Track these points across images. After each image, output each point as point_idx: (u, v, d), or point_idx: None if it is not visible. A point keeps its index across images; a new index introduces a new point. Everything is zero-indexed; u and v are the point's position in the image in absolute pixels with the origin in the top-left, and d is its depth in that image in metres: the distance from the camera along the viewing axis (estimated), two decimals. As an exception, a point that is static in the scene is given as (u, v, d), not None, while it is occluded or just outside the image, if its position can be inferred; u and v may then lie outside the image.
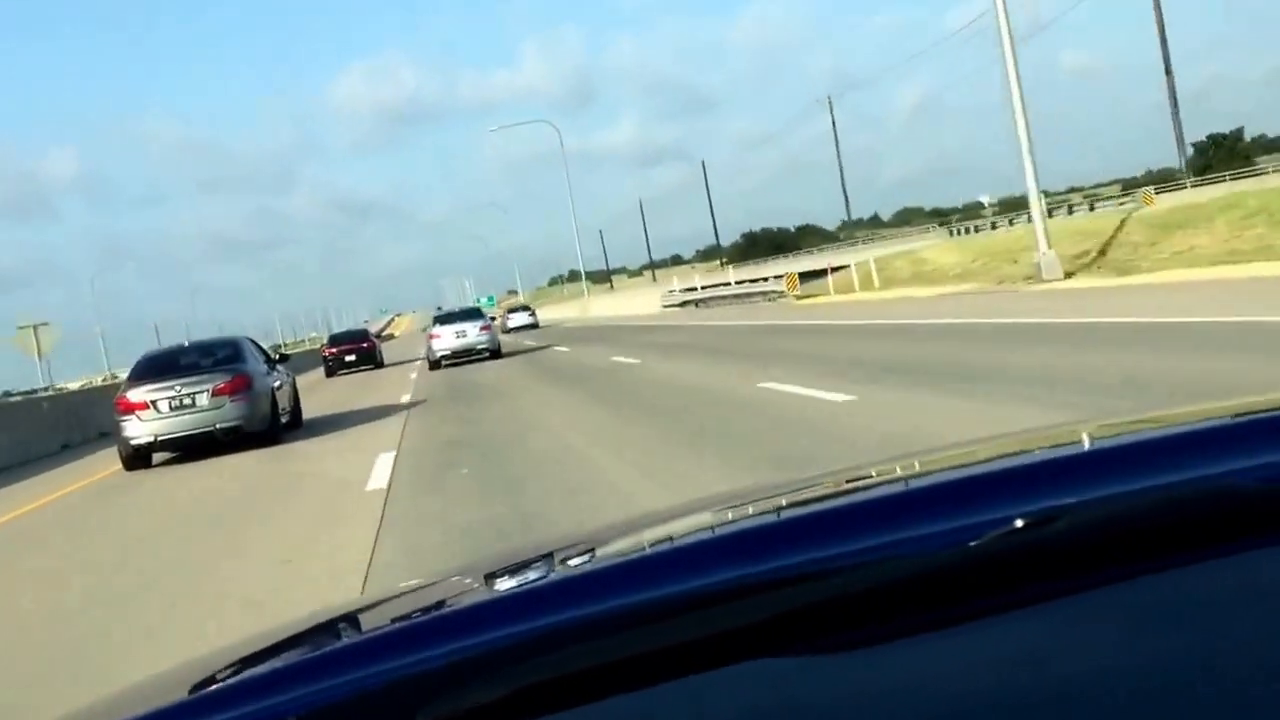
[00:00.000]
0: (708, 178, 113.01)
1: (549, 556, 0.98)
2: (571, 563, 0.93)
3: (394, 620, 0.79)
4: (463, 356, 29.41)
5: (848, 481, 1.03)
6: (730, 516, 0.98)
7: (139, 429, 13.96)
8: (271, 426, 14.41)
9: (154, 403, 14.00)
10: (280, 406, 14.94)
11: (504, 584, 0.89)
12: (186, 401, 14.01)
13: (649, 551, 0.87)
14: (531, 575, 0.91)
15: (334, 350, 38.75)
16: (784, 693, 0.65)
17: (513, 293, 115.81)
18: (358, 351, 39.04)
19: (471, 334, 29.55)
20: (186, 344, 16.39)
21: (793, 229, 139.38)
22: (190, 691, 0.74)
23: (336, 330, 47.86)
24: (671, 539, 0.91)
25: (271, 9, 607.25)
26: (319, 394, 25.47)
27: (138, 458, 14.14)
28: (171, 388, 14.05)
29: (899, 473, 1.01)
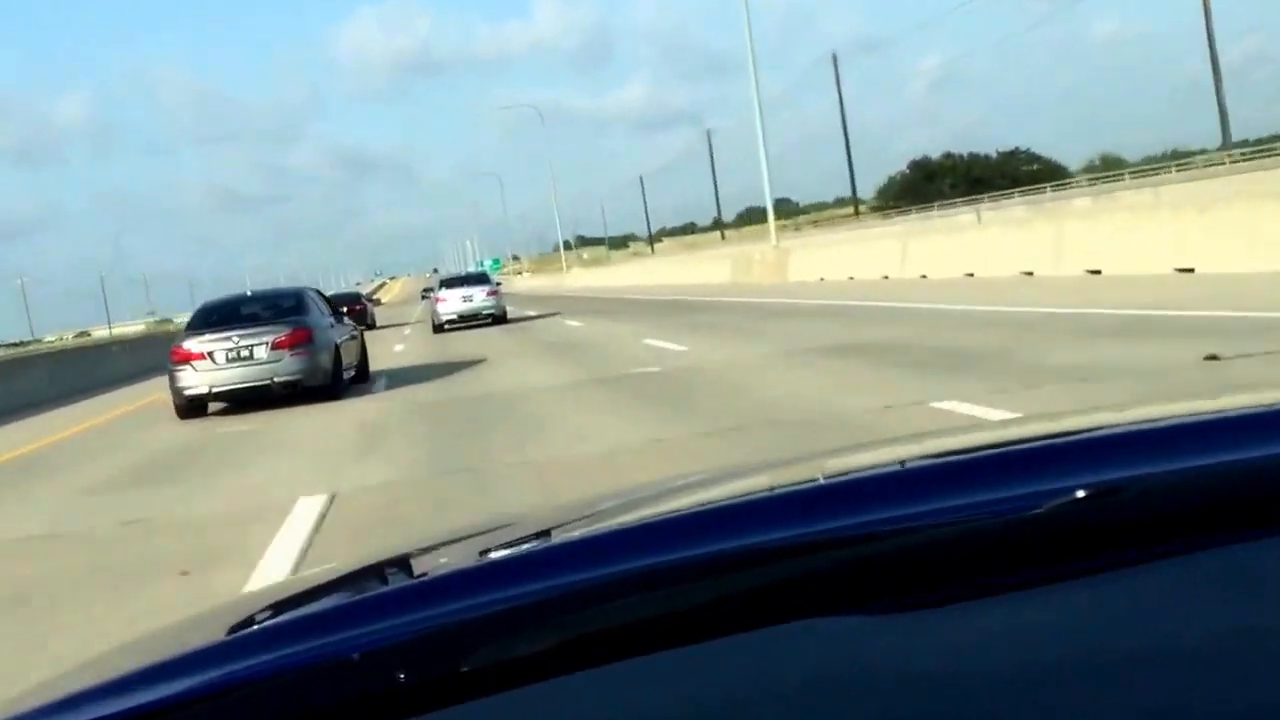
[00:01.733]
0: (716, 152, 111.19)
1: (611, 510, 0.99)
2: (634, 515, 0.91)
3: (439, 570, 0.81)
4: (469, 321, 29.10)
5: (910, 449, 1.05)
6: (795, 478, 1.00)
7: (194, 379, 13.39)
8: (334, 382, 13.72)
9: (210, 353, 13.44)
10: (345, 361, 14.23)
11: (568, 531, 0.92)
12: (244, 353, 13.43)
13: (705, 508, 0.85)
14: (594, 526, 0.90)
15: None
16: (847, 651, 0.67)
17: (516, 258, 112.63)
18: (351, 313, 40.08)
19: (478, 298, 29.47)
20: (248, 293, 15.69)
21: (995, 154, 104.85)
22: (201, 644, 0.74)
23: (329, 293, 50.40)
24: (736, 497, 0.92)
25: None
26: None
27: (191, 408, 13.52)
28: (229, 338, 13.47)
29: (961, 442, 1.02)
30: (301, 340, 13.64)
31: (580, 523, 0.96)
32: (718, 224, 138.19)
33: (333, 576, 0.95)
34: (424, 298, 68.78)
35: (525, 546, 0.86)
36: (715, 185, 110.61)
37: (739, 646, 0.67)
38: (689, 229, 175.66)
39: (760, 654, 0.67)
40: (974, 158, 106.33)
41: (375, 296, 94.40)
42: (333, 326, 14.54)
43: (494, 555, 0.84)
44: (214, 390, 13.50)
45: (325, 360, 13.92)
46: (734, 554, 0.71)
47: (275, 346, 13.50)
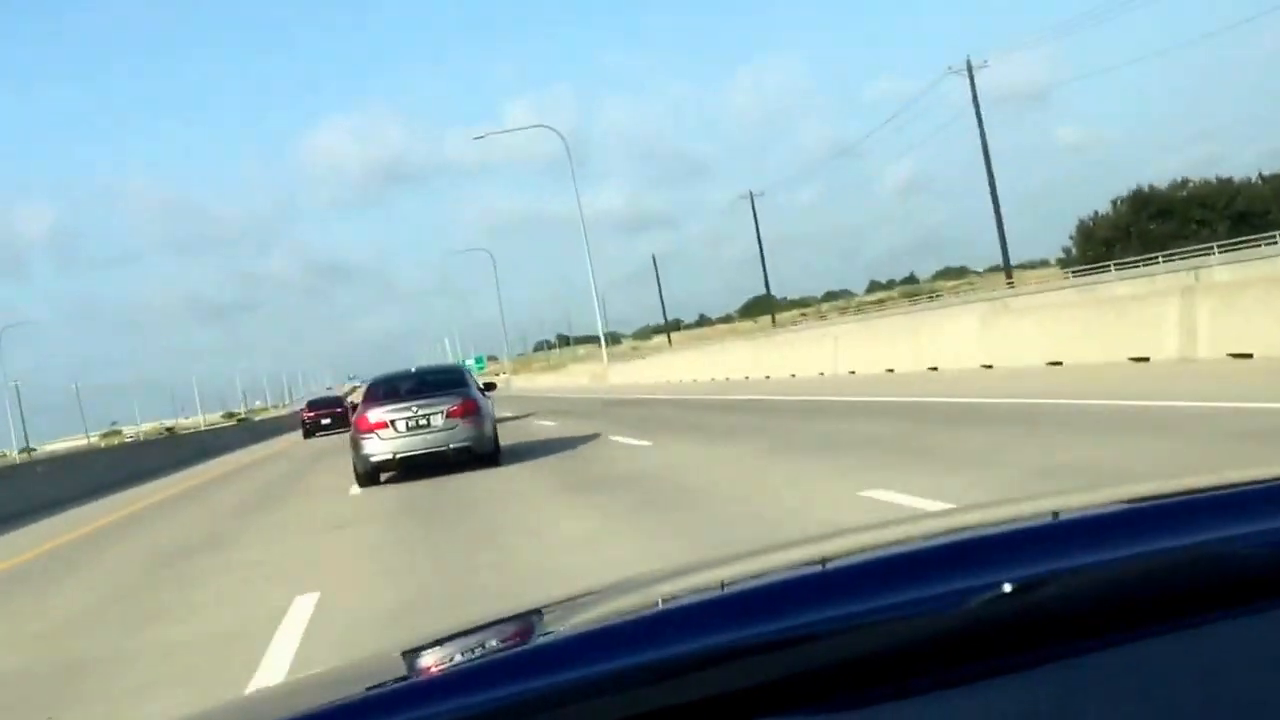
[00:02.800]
0: (753, 217, 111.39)
1: (582, 605, 1.02)
2: (586, 619, 0.95)
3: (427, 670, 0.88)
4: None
5: (839, 546, 1.03)
6: (726, 579, 0.98)
7: (379, 447, 15.01)
8: (495, 449, 15.37)
9: (393, 422, 15.02)
10: (492, 433, 15.84)
11: (527, 637, 0.95)
12: (422, 422, 15.09)
13: (646, 613, 0.89)
14: (561, 627, 0.95)
15: (312, 414, 44.58)
16: None
17: (492, 358, 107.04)
18: (332, 416, 45.18)
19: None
20: (413, 369, 17.39)
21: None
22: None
23: (310, 397, 54.10)
24: (671, 599, 0.92)
25: (251, 65, 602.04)
26: (309, 447, 32.12)
27: (375, 473, 15.05)
28: (409, 409, 15.13)
29: (890, 538, 1.02)
30: (472, 410, 15.35)
31: (519, 630, 0.99)
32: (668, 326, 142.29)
33: (316, 682, 0.98)
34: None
35: (462, 659, 0.88)
36: (660, 289, 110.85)
37: None
38: (703, 321, 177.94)
39: None
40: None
41: (352, 400, 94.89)
42: (488, 400, 16.18)
43: (442, 666, 0.87)
44: (397, 456, 15.11)
45: (490, 429, 15.66)
46: (661, 663, 0.73)
47: (449, 415, 15.19)
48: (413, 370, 17.62)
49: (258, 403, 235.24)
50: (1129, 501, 0.92)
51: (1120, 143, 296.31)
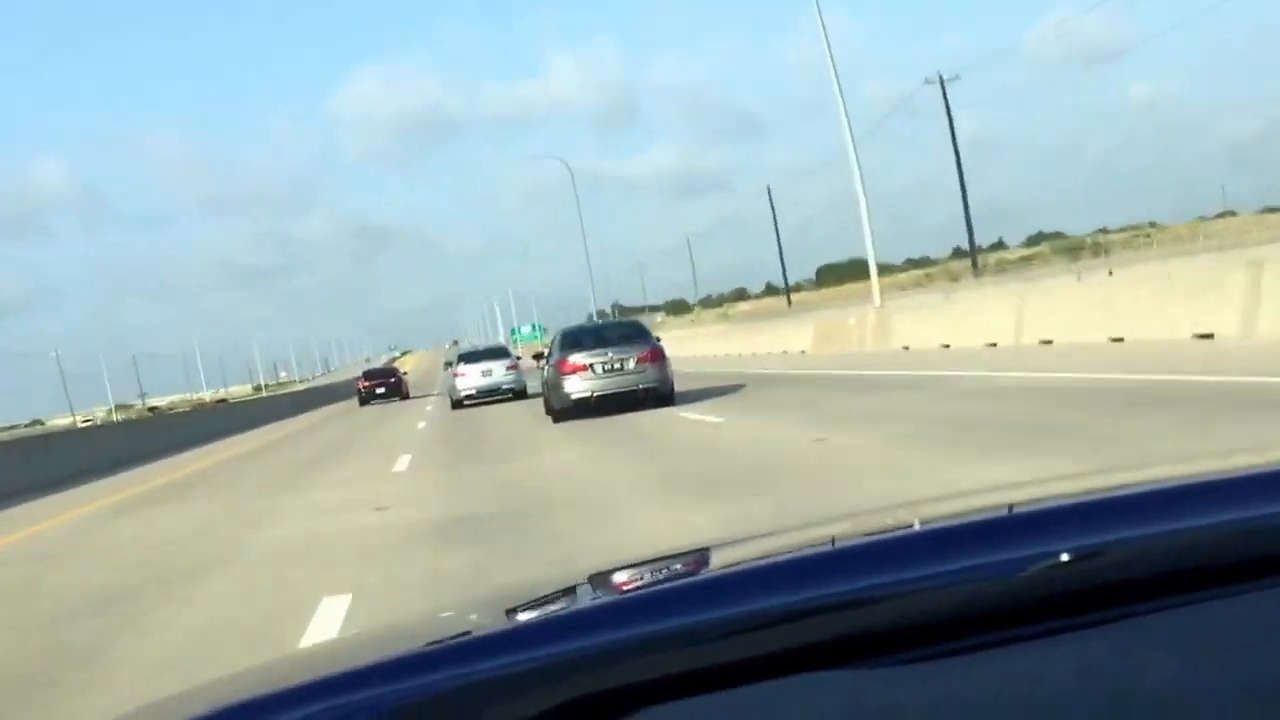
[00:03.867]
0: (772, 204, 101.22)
1: (634, 574, 1.07)
2: (655, 580, 1.02)
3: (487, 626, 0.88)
4: (488, 396, 29.67)
5: (901, 517, 1.12)
6: (800, 544, 1.03)
7: (580, 385, 17.82)
8: (672, 390, 18.02)
9: (591, 366, 17.68)
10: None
11: (580, 598, 1.01)
12: (617, 366, 17.81)
13: (717, 574, 0.95)
14: (631, 586, 1.01)
15: (368, 384, 47.69)
16: (850, 701, 0.74)
17: (544, 328, 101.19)
18: (386, 385, 48.32)
19: (498, 373, 29.79)
20: (599, 323, 20.10)
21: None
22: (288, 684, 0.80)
23: (336, 368, 59.97)
24: (752, 562, 0.97)
25: (286, 16, 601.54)
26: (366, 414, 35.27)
27: (577, 408, 17.72)
28: (605, 355, 17.90)
29: (952, 508, 1.07)
30: (658, 357, 18.14)
31: (596, 589, 1.04)
32: (776, 288, 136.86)
33: (359, 642, 1.02)
34: (446, 368, 69.62)
35: (542, 611, 0.92)
36: (779, 245, 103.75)
37: (757, 696, 0.74)
38: (740, 294, 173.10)
39: (775, 703, 0.74)
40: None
41: (404, 372, 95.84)
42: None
43: (505, 621, 0.91)
44: (595, 394, 17.86)
45: (670, 374, 18.30)
46: (752, 615, 0.78)
47: (639, 361, 17.95)
48: (597, 323, 20.36)
49: (283, 374, 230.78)
50: (1181, 476, 0.99)
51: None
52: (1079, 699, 0.71)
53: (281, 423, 40.83)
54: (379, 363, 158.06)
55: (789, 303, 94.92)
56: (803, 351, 32.29)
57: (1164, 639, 0.75)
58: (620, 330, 19.77)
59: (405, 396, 46.72)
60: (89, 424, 62.87)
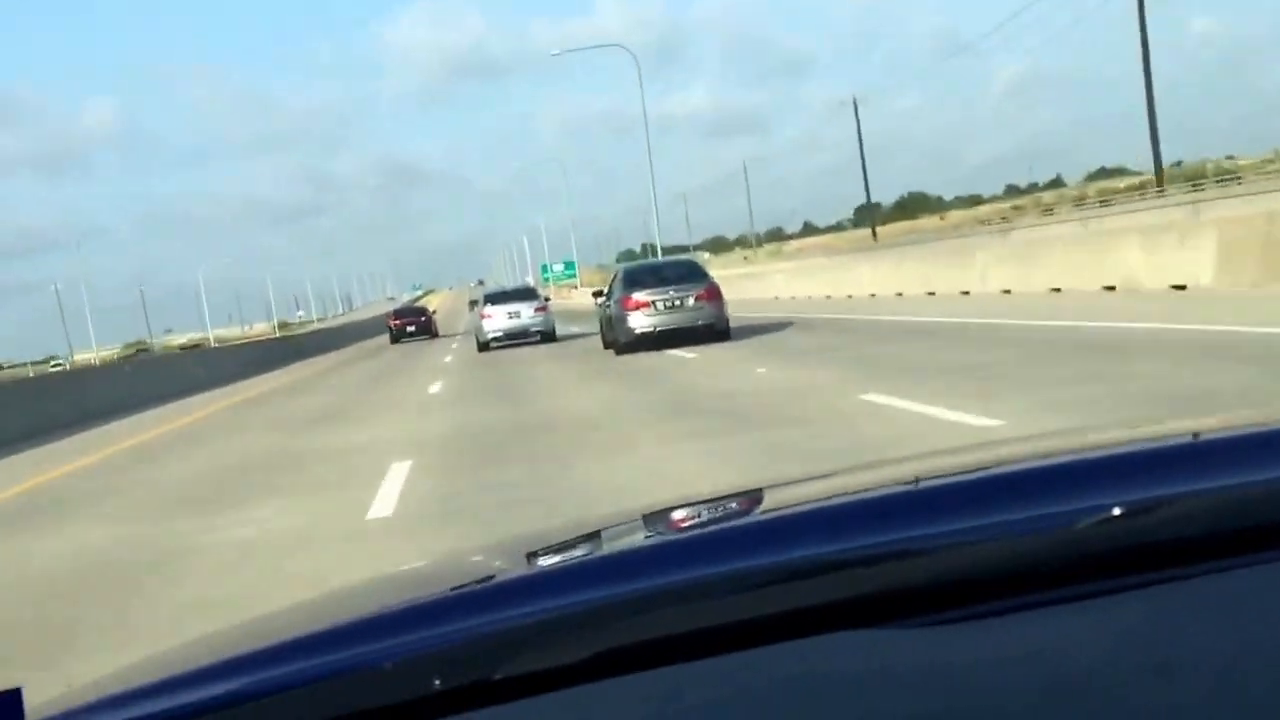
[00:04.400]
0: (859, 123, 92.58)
1: (646, 522, 1.05)
2: (677, 530, 1.00)
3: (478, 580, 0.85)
4: (516, 339, 29.47)
5: (946, 465, 1.06)
6: (832, 494, 1.02)
7: (642, 321, 19.17)
8: (728, 326, 19.29)
9: (653, 303, 18.99)
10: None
11: (604, 545, 0.99)
12: (677, 303, 19.10)
13: (743, 524, 0.92)
14: (633, 540, 1.01)
15: (398, 321, 50.08)
16: (882, 661, 0.70)
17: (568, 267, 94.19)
18: (416, 324, 50.82)
19: (525, 315, 29.50)
20: (657, 262, 21.35)
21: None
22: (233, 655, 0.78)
23: (358, 306, 62.41)
24: (775, 512, 0.96)
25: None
26: (397, 351, 37.66)
27: (639, 343, 19.04)
28: (666, 292, 19.21)
29: (996, 457, 1.04)
30: (715, 295, 19.48)
31: (618, 536, 1.02)
32: (815, 227, 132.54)
33: (373, 587, 1.01)
34: (471, 308, 73.74)
35: (562, 559, 0.90)
36: (864, 167, 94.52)
37: (782, 655, 0.71)
38: (777, 234, 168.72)
39: (801, 662, 0.70)
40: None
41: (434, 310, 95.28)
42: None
43: (530, 567, 0.89)
44: (657, 330, 19.20)
45: (726, 311, 19.54)
46: (783, 567, 0.75)
47: (698, 298, 19.25)
48: (656, 263, 21.72)
49: (299, 314, 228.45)
50: (1236, 429, 0.95)
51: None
52: (1126, 662, 0.67)
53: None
54: (401, 301, 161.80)
55: (875, 235, 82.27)
56: (1057, 290, 19.86)
57: (1219, 601, 0.71)
58: (678, 269, 21.19)
59: (435, 335, 48.94)
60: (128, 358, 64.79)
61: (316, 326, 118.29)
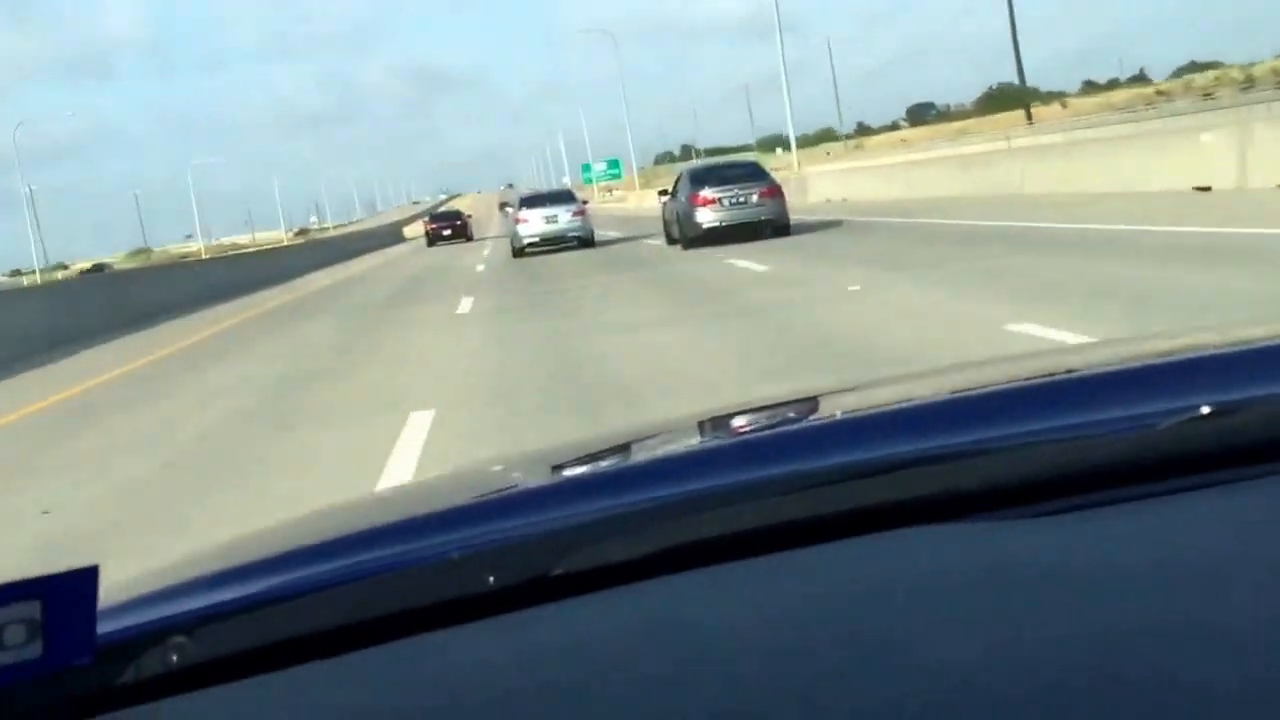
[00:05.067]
0: None
1: (686, 432, 1.07)
2: (755, 430, 1.01)
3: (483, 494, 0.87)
4: (553, 244, 28.69)
5: (1040, 364, 1.08)
6: (926, 393, 1.04)
7: (709, 216, 21.05)
8: (788, 221, 20.99)
9: (720, 199, 20.68)
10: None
11: (632, 454, 0.99)
12: (741, 200, 20.83)
13: (830, 422, 0.96)
14: (661, 449, 1.01)
15: (434, 226, 52.83)
16: (978, 553, 0.70)
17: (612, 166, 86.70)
18: (452, 228, 53.43)
19: (563, 219, 28.62)
20: (722, 162, 23.04)
21: None
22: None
23: (378, 210, 62.82)
24: (848, 413, 0.99)
25: None
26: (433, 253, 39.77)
27: (706, 237, 20.77)
28: (730, 190, 20.99)
29: (1087, 360, 1.05)
30: (776, 193, 21.35)
31: (674, 440, 1.05)
32: (869, 128, 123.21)
33: (417, 492, 1.05)
34: (502, 211, 73.71)
35: (651, 455, 0.92)
36: (1015, 39, 76.55)
37: (870, 548, 0.72)
38: (829, 135, 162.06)
39: (896, 555, 0.71)
40: None
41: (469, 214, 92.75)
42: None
43: (582, 470, 0.91)
44: (723, 224, 20.98)
45: (786, 208, 21.24)
46: (870, 464, 0.77)
47: (761, 196, 20.96)
48: (720, 163, 23.44)
49: (313, 219, 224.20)
50: None
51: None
52: (1209, 557, 0.66)
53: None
54: (425, 206, 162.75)
55: (1029, 117, 66.09)
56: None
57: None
58: (741, 169, 23.13)
59: (469, 238, 50.16)
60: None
61: (333, 234, 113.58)
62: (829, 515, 0.74)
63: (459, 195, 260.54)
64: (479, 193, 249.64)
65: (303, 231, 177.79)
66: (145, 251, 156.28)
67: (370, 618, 0.71)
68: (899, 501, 0.75)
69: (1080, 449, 0.77)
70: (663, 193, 25.45)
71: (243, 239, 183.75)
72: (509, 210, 33.06)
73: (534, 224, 28.76)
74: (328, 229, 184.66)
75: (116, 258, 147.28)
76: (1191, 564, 0.66)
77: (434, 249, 45.69)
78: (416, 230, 79.60)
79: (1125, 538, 0.69)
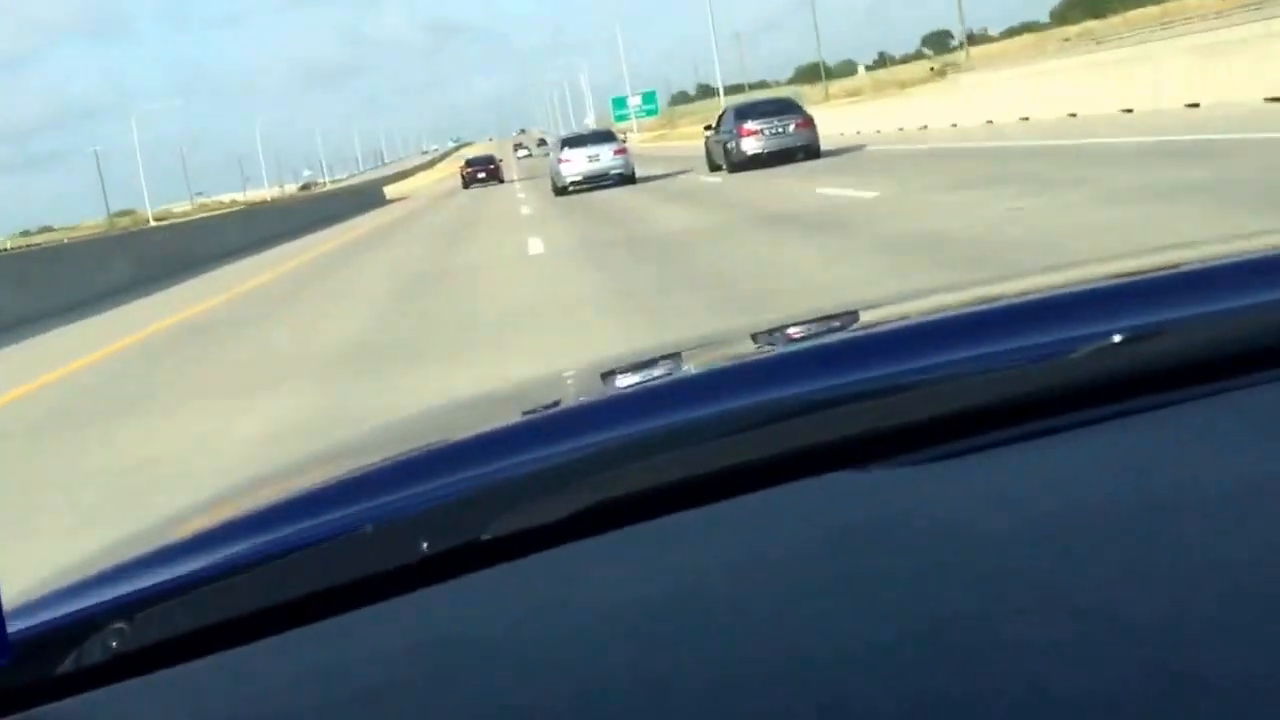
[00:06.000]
0: None
1: (633, 371, 1.04)
2: (659, 375, 0.98)
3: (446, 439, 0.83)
4: (595, 182, 29.69)
5: (940, 299, 1.06)
6: (818, 333, 1.02)
7: (752, 145, 25.05)
8: (819, 150, 24.73)
9: (761, 130, 24.49)
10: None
11: (610, 386, 0.99)
12: (780, 129, 24.73)
13: (726, 365, 0.92)
14: (613, 388, 0.99)
15: (470, 169, 58.63)
16: (880, 501, 0.67)
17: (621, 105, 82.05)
18: (487, 171, 59.49)
19: (605, 158, 29.78)
20: (761, 99, 26.87)
21: None
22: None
23: (469, 156, 65.64)
24: (759, 354, 0.95)
25: None
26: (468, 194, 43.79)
27: (750, 162, 24.63)
28: (771, 121, 24.80)
29: (991, 292, 1.02)
30: (810, 124, 25.33)
31: (601, 386, 1.00)
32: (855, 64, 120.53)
33: (356, 445, 0.99)
34: (516, 153, 75.48)
35: (546, 411, 0.87)
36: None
37: (765, 502, 0.68)
38: (847, 68, 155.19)
39: (788, 509, 0.68)
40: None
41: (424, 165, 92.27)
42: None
43: (508, 421, 0.85)
44: (765, 152, 24.73)
45: (818, 136, 24.98)
46: (761, 408, 0.74)
47: (797, 126, 24.81)
48: (756, 100, 27.26)
49: (307, 173, 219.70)
50: (1237, 255, 0.92)
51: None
52: (1124, 490, 0.64)
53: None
54: (431, 155, 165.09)
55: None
56: None
57: (1221, 424, 0.69)
58: (778, 104, 27.31)
59: (501, 180, 55.79)
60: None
61: (331, 189, 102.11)
62: (704, 476, 0.70)
63: (469, 144, 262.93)
64: (490, 139, 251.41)
65: (305, 187, 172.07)
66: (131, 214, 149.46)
67: (298, 595, 0.67)
68: (782, 454, 0.70)
69: (983, 384, 0.74)
70: (707, 128, 29.20)
71: (241, 196, 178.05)
72: (522, 153, 34.77)
73: (576, 163, 29.95)
74: (323, 184, 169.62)
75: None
76: (1099, 500, 0.63)
77: (468, 190, 50.01)
78: (418, 183, 79.74)
79: (1032, 476, 0.67)
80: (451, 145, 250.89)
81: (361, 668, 0.61)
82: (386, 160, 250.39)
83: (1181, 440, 0.69)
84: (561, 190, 30.00)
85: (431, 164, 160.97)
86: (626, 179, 29.68)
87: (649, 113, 75.69)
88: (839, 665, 0.53)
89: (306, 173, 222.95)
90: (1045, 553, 0.59)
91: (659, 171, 32.66)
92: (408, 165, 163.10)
